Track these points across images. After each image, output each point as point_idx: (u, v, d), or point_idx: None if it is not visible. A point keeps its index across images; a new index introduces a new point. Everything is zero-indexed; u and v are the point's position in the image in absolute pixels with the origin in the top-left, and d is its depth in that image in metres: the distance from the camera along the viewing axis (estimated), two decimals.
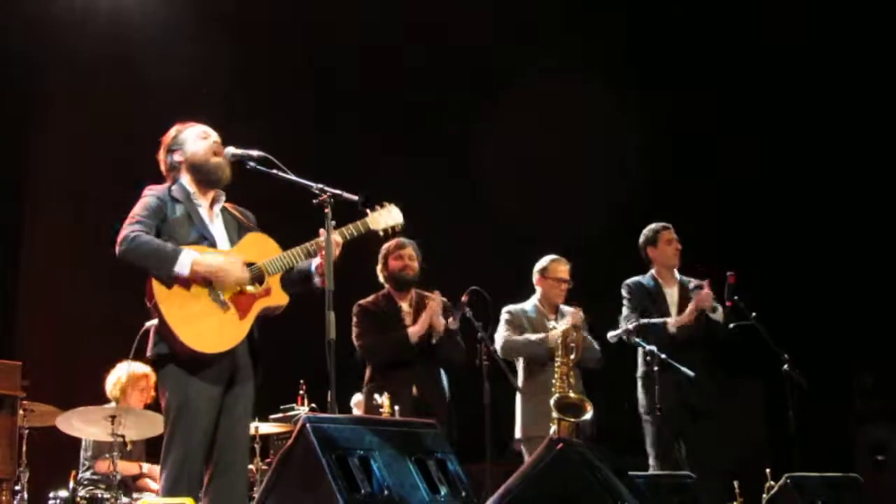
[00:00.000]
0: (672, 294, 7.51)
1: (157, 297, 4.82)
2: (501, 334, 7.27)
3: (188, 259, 4.82)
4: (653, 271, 7.59)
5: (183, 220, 5.01)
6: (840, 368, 9.52)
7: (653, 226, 7.63)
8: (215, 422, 4.90)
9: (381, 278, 6.96)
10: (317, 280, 5.15)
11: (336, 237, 5.02)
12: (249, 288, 4.97)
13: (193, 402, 4.82)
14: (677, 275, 7.58)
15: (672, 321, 7.27)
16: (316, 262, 5.12)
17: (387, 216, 5.34)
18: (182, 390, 4.83)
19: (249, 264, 5.00)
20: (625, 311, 7.43)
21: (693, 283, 7.48)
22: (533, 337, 7.19)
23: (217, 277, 4.87)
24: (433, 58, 10.36)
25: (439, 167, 10.37)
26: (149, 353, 4.98)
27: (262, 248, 5.09)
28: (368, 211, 5.28)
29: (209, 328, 4.85)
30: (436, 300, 6.72)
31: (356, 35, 10.51)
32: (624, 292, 7.52)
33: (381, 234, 5.37)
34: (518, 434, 7.21)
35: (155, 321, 4.89)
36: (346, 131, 10.45)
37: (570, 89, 10.05)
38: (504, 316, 7.37)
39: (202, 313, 4.84)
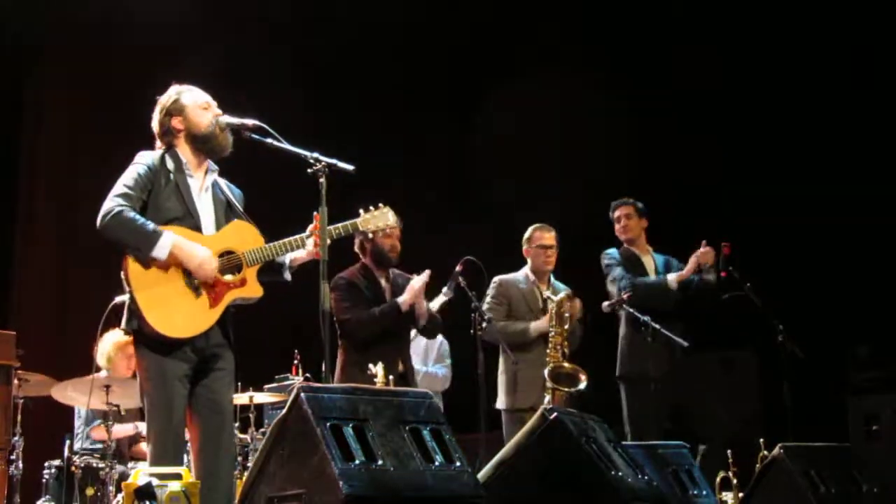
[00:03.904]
0: (648, 262, 7.69)
1: (130, 274, 4.79)
2: (489, 311, 7.14)
3: (168, 242, 4.77)
4: (625, 245, 7.75)
5: (171, 193, 4.95)
6: (835, 339, 9.53)
7: (612, 204, 7.82)
8: (190, 394, 4.89)
9: (358, 250, 6.75)
10: (287, 275, 5.19)
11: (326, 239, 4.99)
12: (226, 276, 4.94)
13: (171, 375, 4.81)
14: (649, 248, 7.77)
15: (672, 277, 7.39)
16: (290, 256, 5.13)
17: (379, 219, 5.34)
18: (158, 363, 4.81)
19: (229, 252, 4.97)
20: (611, 275, 7.51)
21: (662, 257, 7.62)
22: (516, 327, 7.20)
23: (192, 268, 4.83)
24: (432, 43, 10.36)
25: (438, 151, 10.36)
26: (122, 326, 4.93)
27: (245, 238, 5.03)
28: (361, 211, 5.31)
29: (178, 313, 4.82)
30: (422, 279, 6.61)
31: (356, 24, 10.51)
32: (605, 261, 7.66)
33: (370, 235, 5.39)
34: (499, 404, 7.23)
35: (125, 297, 4.87)
36: (345, 116, 10.42)
37: (565, 69, 10.07)
38: (491, 290, 7.34)
39: (173, 296, 4.81)
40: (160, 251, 4.76)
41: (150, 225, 4.79)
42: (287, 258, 5.16)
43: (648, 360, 7.11)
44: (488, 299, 7.29)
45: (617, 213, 7.77)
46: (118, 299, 5.02)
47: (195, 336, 4.86)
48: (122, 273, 4.85)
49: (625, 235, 7.73)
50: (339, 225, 5.17)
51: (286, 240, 5.05)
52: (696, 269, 7.40)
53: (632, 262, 7.62)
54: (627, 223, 7.71)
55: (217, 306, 4.91)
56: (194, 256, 4.82)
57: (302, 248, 5.07)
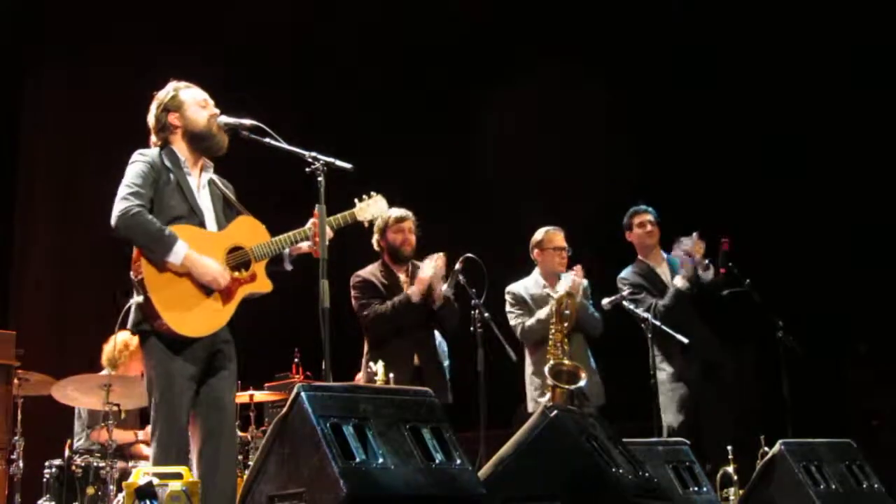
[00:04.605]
0: (664, 272, 7.59)
1: (144, 275, 4.80)
2: (514, 321, 7.27)
3: (182, 251, 4.79)
4: (639, 256, 7.66)
5: (173, 190, 4.96)
6: (835, 334, 9.53)
7: (629, 211, 7.71)
8: (195, 395, 4.89)
9: (376, 248, 6.90)
10: (286, 264, 5.20)
11: (328, 230, 5.01)
12: (235, 273, 4.95)
13: (178, 375, 4.82)
14: (663, 254, 7.66)
15: (677, 280, 7.36)
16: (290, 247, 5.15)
17: (373, 207, 5.41)
18: (165, 364, 4.82)
19: (237, 248, 4.99)
20: (637, 305, 7.35)
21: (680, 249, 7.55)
22: (542, 315, 7.19)
23: (206, 282, 4.86)
24: (434, 40, 10.36)
25: (438, 147, 10.36)
26: (130, 326, 4.96)
27: (252, 233, 5.06)
28: (356, 201, 5.34)
29: (193, 312, 4.84)
30: (438, 261, 6.65)
31: (356, 17, 10.51)
32: (623, 286, 7.49)
33: (366, 224, 5.43)
34: (530, 406, 7.23)
35: (140, 298, 4.87)
36: (345, 111, 10.42)
37: (568, 71, 10.08)
38: (508, 298, 7.37)
39: (187, 296, 4.83)
40: (175, 257, 4.79)
41: (166, 230, 4.81)
42: (286, 249, 5.17)
43: (674, 360, 7.22)
44: (510, 310, 7.33)
45: (639, 220, 7.63)
46: (132, 301, 5.03)
47: (208, 335, 4.88)
48: (133, 275, 4.86)
49: (650, 240, 7.59)
50: (339, 216, 5.22)
51: (291, 233, 5.08)
52: (693, 263, 7.36)
53: (649, 279, 7.52)
54: (653, 230, 7.59)
55: (230, 303, 4.94)
56: (207, 273, 4.85)
57: (306, 241, 5.10)
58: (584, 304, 7.27)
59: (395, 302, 6.63)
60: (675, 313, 7.25)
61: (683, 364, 7.26)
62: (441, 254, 6.72)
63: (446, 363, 8.16)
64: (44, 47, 9.71)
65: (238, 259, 4.98)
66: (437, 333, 7.71)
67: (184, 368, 4.83)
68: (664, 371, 7.28)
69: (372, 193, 5.42)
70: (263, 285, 5.06)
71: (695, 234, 7.39)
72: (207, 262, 4.87)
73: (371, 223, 5.47)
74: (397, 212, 6.75)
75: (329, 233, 5.04)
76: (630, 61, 10.40)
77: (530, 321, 7.23)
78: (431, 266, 6.65)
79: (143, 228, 4.79)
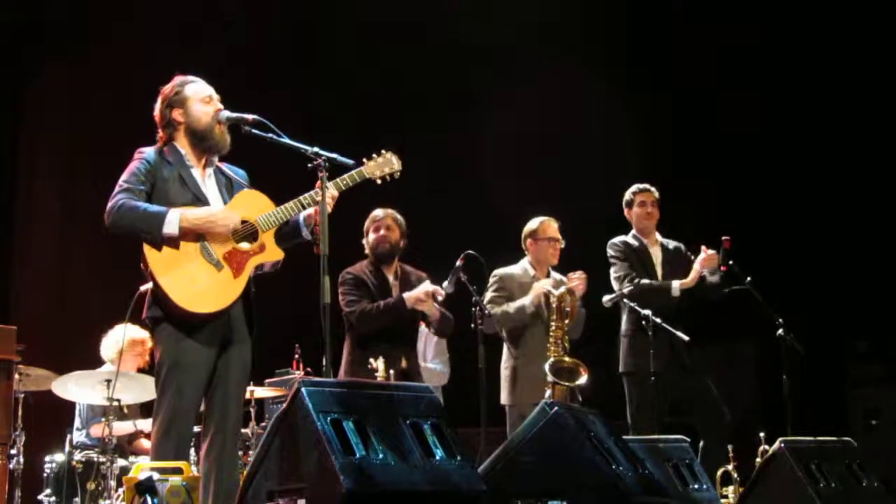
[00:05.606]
0: (656, 254, 7.54)
1: (149, 261, 4.80)
2: (492, 304, 7.16)
3: (175, 217, 4.79)
4: (634, 231, 7.61)
5: (175, 182, 4.97)
6: (834, 333, 9.54)
7: (632, 187, 7.65)
8: (208, 383, 4.89)
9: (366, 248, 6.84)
10: (305, 233, 5.12)
11: (331, 189, 4.97)
12: (243, 245, 4.94)
13: (186, 361, 4.81)
14: (658, 236, 7.61)
15: (677, 284, 7.30)
16: (304, 214, 5.09)
17: (383, 164, 5.31)
18: (175, 350, 4.82)
19: (243, 221, 4.98)
20: (615, 270, 7.41)
21: (672, 244, 7.53)
22: (510, 308, 7.18)
23: (207, 228, 4.85)
24: (432, 42, 10.37)
25: (437, 148, 10.37)
26: (144, 316, 4.96)
27: (255, 204, 5.06)
28: (364, 160, 5.26)
29: (204, 289, 4.83)
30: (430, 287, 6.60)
31: (356, 16, 10.53)
32: (611, 251, 7.51)
33: (379, 182, 5.32)
34: (503, 400, 7.22)
35: (150, 285, 4.88)
36: (345, 111, 10.43)
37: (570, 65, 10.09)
38: (492, 283, 7.31)
39: (196, 274, 4.83)
40: (170, 227, 4.78)
41: (154, 207, 4.82)
42: (300, 217, 5.12)
43: (650, 355, 7.07)
44: (490, 293, 7.26)
45: (641, 198, 7.56)
46: (143, 288, 5.03)
47: (223, 310, 4.86)
48: (142, 265, 4.86)
49: (648, 221, 7.54)
50: (346, 176, 5.14)
51: (297, 199, 5.03)
52: (701, 274, 7.33)
53: (639, 255, 7.48)
54: (653, 211, 7.55)
55: (241, 275, 4.92)
56: (202, 214, 4.85)
57: (313, 206, 5.02)
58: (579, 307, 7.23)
59: (388, 302, 6.54)
60: (643, 299, 7.21)
61: (670, 361, 7.21)
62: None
63: (447, 356, 8.23)
64: (44, 47, 9.70)
65: (245, 231, 4.97)
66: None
67: (194, 353, 4.82)
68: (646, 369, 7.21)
69: (382, 151, 5.34)
70: (274, 254, 5.04)
71: (704, 249, 7.36)
72: (202, 213, 4.86)
73: (384, 180, 5.37)
74: (376, 212, 6.76)
75: (335, 193, 5.01)
76: (630, 61, 10.42)
77: (496, 311, 7.13)
78: (430, 287, 6.60)
79: (130, 214, 4.78)
